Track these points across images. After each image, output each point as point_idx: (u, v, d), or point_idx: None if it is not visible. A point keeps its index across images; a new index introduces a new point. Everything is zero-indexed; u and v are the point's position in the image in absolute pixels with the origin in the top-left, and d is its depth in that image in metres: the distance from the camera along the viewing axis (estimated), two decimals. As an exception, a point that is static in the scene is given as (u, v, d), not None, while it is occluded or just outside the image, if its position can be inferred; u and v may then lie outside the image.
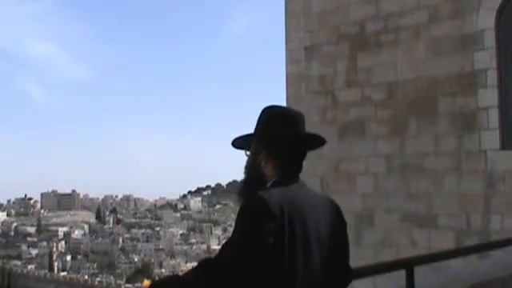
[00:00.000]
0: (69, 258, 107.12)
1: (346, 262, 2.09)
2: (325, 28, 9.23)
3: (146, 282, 1.84)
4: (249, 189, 1.99)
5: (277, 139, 2.01)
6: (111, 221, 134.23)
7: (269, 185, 1.97)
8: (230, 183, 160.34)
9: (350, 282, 2.17)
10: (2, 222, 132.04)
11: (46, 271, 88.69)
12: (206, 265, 1.81)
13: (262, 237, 1.74)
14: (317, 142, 2.14)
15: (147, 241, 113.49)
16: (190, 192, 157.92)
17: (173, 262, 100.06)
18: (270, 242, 1.73)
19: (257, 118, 2.11)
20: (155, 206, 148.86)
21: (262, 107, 2.13)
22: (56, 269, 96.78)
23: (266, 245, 1.73)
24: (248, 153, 2.08)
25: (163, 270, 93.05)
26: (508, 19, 7.43)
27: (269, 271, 1.75)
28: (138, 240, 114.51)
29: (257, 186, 1.96)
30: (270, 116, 2.06)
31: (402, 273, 3.54)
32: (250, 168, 2.05)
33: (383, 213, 8.29)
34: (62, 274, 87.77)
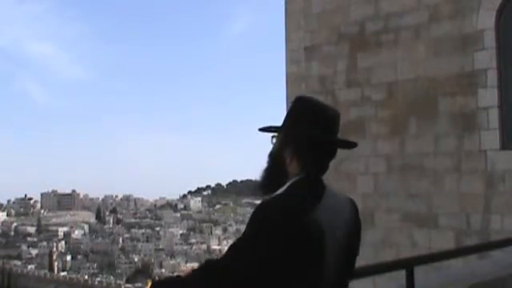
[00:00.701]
0: (69, 258, 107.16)
1: (354, 264, 2.04)
2: (325, 28, 9.24)
3: (149, 284, 1.83)
4: (270, 182, 1.90)
5: (307, 138, 1.88)
6: (111, 221, 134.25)
7: (288, 184, 1.86)
8: (229, 183, 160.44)
9: (349, 281, 2.15)
10: (2, 222, 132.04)
11: (46, 271, 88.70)
12: (208, 266, 1.77)
13: (270, 245, 1.66)
14: (348, 145, 2.02)
15: (147, 241, 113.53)
16: (189, 192, 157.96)
17: (173, 261, 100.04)
18: (278, 250, 1.66)
19: (288, 107, 1.95)
20: (155, 205, 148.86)
21: (295, 97, 1.97)
22: (56, 269, 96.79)
23: (274, 254, 1.66)
24: (274, 140, 1.95)
25: (163, 270, 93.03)
26: (508, 19, 7.43)
27: (278, 278, 1.69)
28: (138, 240, 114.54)
29: (278, 181, 1.87)
30: (302, 111, 1.91)
31: (402, 273, 3.54)
32: (274, 160, 1.92)
33: (383, 213, 8.29)
34: (62, 273, 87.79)
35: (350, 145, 2.02)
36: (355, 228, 1.97)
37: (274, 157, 1.93)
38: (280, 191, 1.83)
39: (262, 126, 1.96)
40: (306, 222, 1.71)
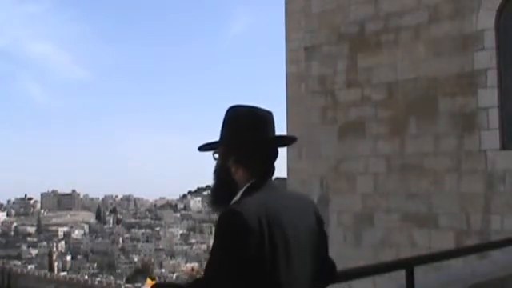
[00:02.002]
0: (69, 258, 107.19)
1: (326, 258, 2.05)
2: (325, 28, 9.23)
3: (149, 281, 1.84)
4: (221, 197, 1.93)
5: (246, 144, 1.90)
6: (111, 221, 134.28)
7: (241, 192, 1.88)
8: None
9: (335, 274, 2.14)
10: (2, 222, 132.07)
11: (46, 271, 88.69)
12: (199, 282, 1.83)
13: (241, 254, 1.68)
14: (287, 141, 2.07)
15: (147, 241, 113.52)
16: (189, 192, 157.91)
17: (173, 261, 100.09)
18: (250, 257, 1.68)
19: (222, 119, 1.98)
20: (155, 205, 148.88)
21: (228, 108, 1.99)
22: (56, 269, 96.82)
23: (247, 261, 1.68)
24: (216, 156, 1.98)
25: (163, 270, 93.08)
26: (508, 19, 7.42)
27: (253, 285, 1.71)
28: (138, 240, 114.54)
29: (228, 193, 1.90)
30: (236, 119, 1.94)
31: (402, 273, 3.53)
32: (219, 174, 1.96)
33: (383, 213, 8.29)
34: (62, 273, 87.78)
35: (289, 140, 2.06)
36: (316, 225, 1.99)
37: (220, 171, 1.95)
38: (233, 201, 1.86)
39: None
40: (263, 219, 1.73)
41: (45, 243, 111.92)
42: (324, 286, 2.08)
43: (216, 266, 1.73)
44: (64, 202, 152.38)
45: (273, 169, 1.96)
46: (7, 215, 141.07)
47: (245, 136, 1.90)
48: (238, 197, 1.88)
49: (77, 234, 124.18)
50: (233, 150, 1.92)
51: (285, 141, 2.07)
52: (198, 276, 1.95)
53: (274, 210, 1.79)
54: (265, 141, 1.93)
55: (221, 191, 1.95)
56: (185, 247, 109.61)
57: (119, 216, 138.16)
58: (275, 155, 1.96)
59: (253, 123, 1.92)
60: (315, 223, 1.98)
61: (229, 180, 1.92)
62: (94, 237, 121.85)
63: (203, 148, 1.99)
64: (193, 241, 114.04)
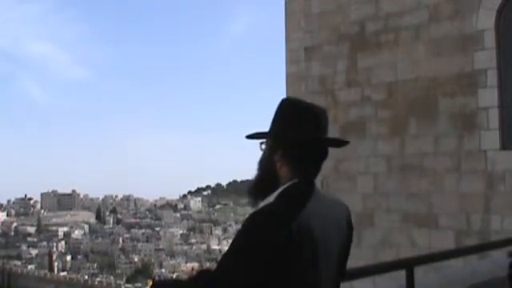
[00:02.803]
0: (69, 258, 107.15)
1: (344, 269, 2.02)
2: (325, 28, 9.23)
3: (151, 283, 1.84)
4: (261, 190, 1.86)
5: (294, 141, 1.84)
6: (111, 221, 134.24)
7: (279, 191, 1.81)
8: (229, 183, 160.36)
9: (341, 282, 2.14)
10: (2, 222, 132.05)
11: (46, 271, 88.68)
12: (203, 276, 1.78)
13: (261, 258, 1.62)
14: (338, 144, 2.00)
15: (147, 241, 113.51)
16: (190, 192, 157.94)
17: (173, 261, 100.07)
18: (268, 264, 1.62)
19: (275, 109, 1.90)
20: (155, 205, 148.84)
21: (280, 99, 1.91)
22: (56, 269, 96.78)
23: (265, 266, 1.62)
24: (263, 147, 1.91)
25: (163, 270, 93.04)
26: (508, 19, 7.43)
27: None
28: (138, 240, 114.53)
29: (269, 187, 1.83)
30: (289, 113, 1.87)
31: (402, 273, 3.54)
32: (264, 166, 1.89)
33: (383, 213, 8.29)
34: (62, 274, 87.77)
35: (341, 143, 1.99)
36: (348, 235, 1.95)
37: (264, 163, 1.89)
38: (271, 198, 1.79)
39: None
40: (294, 232, 1.66)
41: (45, 243, 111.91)
42: None
43: (229, 264, 1.67)
44: (64, 202, 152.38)
45: (318, 170, 1.90)
46: (7, 215, 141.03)
47: (296, 132, 1.84)
48: (275, 194, 1.81)
49: (77, 234, 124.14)
50: (281, 145, 1.85)
51: (336, 143, 2.00)
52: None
53: (306, 216, 1.73)
54: (316, 141, 1.87)
55: (261, 184, 1.88)
56: (185, 247, 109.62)
57: (119, 216, 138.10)
58: (324, 157, 1.90)
59: (306, 120, 1.84)
60: (345, 231, 1.93)
61: (272, 174, 1.85)
62: (94, 237, 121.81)
63: (252, 136, 1.91)
64: (193, 241, 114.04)
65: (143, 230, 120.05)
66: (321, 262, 1.76)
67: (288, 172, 1.84)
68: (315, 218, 1.76)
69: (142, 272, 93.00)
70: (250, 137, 1.92)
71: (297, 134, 1.83)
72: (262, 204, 1.79)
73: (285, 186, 1.82)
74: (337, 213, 1.92)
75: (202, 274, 1.82)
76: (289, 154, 1.84)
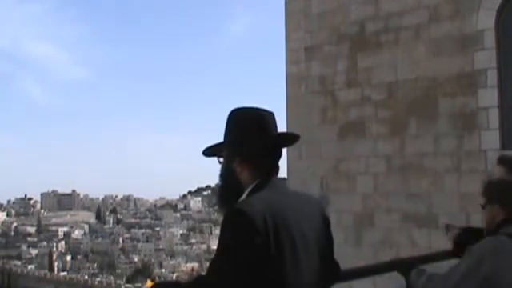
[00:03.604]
0: (69, 258, 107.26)
1: (332, 259, 2.06)
2: (325, 28, 9.23)
3: (149, 283, 1.86)
4: (227, 198, 1.94)
5: (249, 145, 1.93)
6: (111, 221, 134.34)
7: (246, 192, 1.90)
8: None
9: (339, 275, 2.15)
10: (2, 222, 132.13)
11: (46, 271, 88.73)
12: (198, 280, 1.84)
13: (246, 253, 1.68)
14: (291, 139, 2.09)
15: (147, 241, 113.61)
16: (190, 192, 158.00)
17: (173, 262, 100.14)
18: (255, 257, 1.68)
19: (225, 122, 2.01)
20: (155, 205, 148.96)
21: (231, 110, 2.03)
22: (56, 269, 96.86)
23: (252, 260, 1.68)
24: (221, 160, 2.00)
25: (163, 270, 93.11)
26: (508, 19, 7.43)
27: (258, 285, 1.70)
28: (138, 240, 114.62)
29: (234, 194, 1.91)
30: (239, 120, 1.97)
31: (402, 273, 3.53)
32: (225, 176, 1.98)
33: (383, 213, 8.29)
34: (62, 274, 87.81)
35: (292, 138, 2.08)
36: (322, 225, 1.99)
37: (225, 173, 1.97)
38: (239, 201, 1.86)
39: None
40: (269, 221, 1.72)
41: (45, 243, 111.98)
42: (328, 286, 2.08)
43: (219, 265, 1.72)
44: (64, 202, 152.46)
45: (277, 168, 1.98)
46: (7, 215, 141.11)
47: (248, 137, 1.92)
48: (243, 197, 1.89)
49: (77, 234, 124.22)
50: (237, 151, 1.94)
51: (288, 139, 2.09)
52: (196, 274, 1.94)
53: (279, 209, 1.79)
54: (268, 141, 1.95)
55: (227, 193, 1.96)
56: (185, 247, 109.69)
57: (119, 216, 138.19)
58: (279, 155, 1.99)
59: (255, 124, 1.94)
60: (322, 224, 1.99)
61: (234, 181, 1.94)
62: (94, 237, 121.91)
63: (207, 152, 2.02)
64: (193, 241, 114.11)
65: (143, 230, 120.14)
66: (300, 252, 1.81)
67: (249, 176, 1.92)
68: (288, 211, 1.82)
69: (142, 272, 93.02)
70: (206, 153, 2.02)
71: (249, 138, 1.92)
72: None
73: (250, 188, 1.90)
74: (309, 206, 1.99)
75: (199, 278, 1.89)
76: (246, 159, 1.92)
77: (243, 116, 1.98)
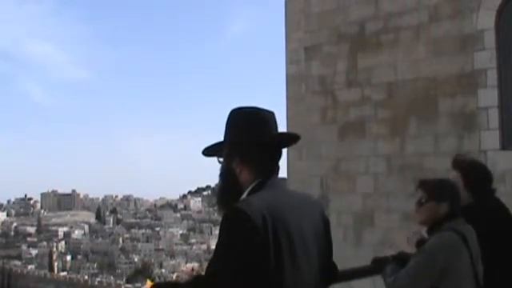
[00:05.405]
0: (69, 258, 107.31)
1: (330, 260, 2.06)
2: (325, 28, 9.23)
3: (149, 283, 1.86)
4: (227, 198, 1.93)
5: (249, 144, 1.92)
6: (111, 221, 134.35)
7: (246, 192, 1.89)
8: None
9: (336, 275, 2.15)
10: (2, 222, 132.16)
11: (46, 271, 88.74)
12: (197, 280, 1.84)
13: (244, 251, 1.67)
14: (291, 139, 2.07)
15: (147, 241, 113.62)
16: (190, 192, 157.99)
17: (173, 262, 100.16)
18: (254, 256, 1.68)
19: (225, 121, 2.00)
20: (155, 205, 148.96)
21: (231, 109, 2.02)
22: (56, 269, 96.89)
23: (251, 260, 1.67)
24: (221, 159, 1.99)
25: (163, 270, 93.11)
26: (508, 19, 7.42)
27: (257, 284, 1.70)
28: (138, 240, 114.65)
29: (234, 194, 1.90)
30: (239, 120, 1.97)
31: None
32: (224, 176, 1.96)
33: (383, 213, 8.29)
34: (62, 274, 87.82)
35: (292, 138, 2.06)
36: (321, 225, 1.99)
37: (224, 173, 1.96)
38: (240, 200, 1.86)
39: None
40: (268, 220, 1.72)
41: (45, 243, 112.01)
42: (326, 286, 2.08)
43: (218, 263, 1.72)
44: (64, 202, 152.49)
45: (277, 168, 1.96)
46: (7, 215, 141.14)
47: (248, 136, 1.92)
48: (243, 197, 1.88)
49: (77, 234, 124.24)
50: (237, 151, 1.93)
51: (288, 139, 2.08)
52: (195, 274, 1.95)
53: (278, 209, 1.79)
54: (268, 140, 1.94)
55: (227, 193, 1.96)
56: (185, 247, 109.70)
57: (119, 216, 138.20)
58: (279, 155, 1.97)
59: (255, 123, 1.93)
60: (321, 224, 1.98)
61: (234, 181, 1.93)
62: (94, 237, 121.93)
63: (207, 152, 2.01)
64: (193, 241, 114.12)
65: (143, 230, 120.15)
66: (299, 252, 1.81)
67: (249, 175, 1.91)
68: (287, 212, 1.81)
69: (142, 272, 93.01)
70: (206, 152, 2.02)
71: (249, 138, 1.91)
72: None
73: (250, 188, 1.89)
74: (309, 207, 1.98)
75: (198, 277, 1.88)
76: (246, 159, 1.91)
77: (243, 115, 1.97)
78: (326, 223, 2.02)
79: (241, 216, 1.70)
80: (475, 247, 3.00)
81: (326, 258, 1.99)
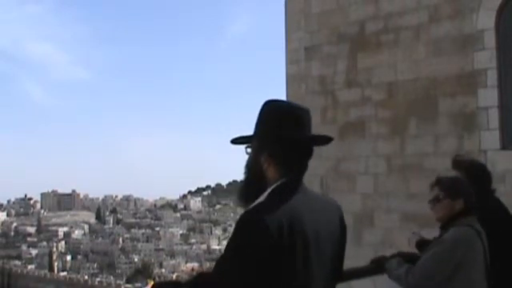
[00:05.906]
0: (69, 258, 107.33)
1: (341, 266, 2.04)
2: (325, 28, 9.23)
3: (151, 283, 1.87)
4: (249, 192, 1.88)
5: (280, 141, 1.85)
6: (111, 221, 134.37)
7: (269, 191, 1.83)
8: (230, 183, 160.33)
9: (341, 275, 2.14)
10: (2, 222, 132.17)
11: (46, 271, 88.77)
12: (201, 278, 1.82)
13: (254, 256, 1.64)
14: (323, 140, 2.02)
15: (147, 241, 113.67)
16: (190, 192, 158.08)
17: (173, 261, 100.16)
18: (264, 260, 1.64)
19: (258, 111, 1.92)
20: (155, 205, 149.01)
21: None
22: (56, 269, 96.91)
23: (260, 264, 1.63)
24: (249, 150, 1.92)
25: (163, 270, 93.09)
26: (508, 19, 7.42)
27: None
28: (138, 240, 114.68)
29: (257, 189, 1.85)
30: (272, 114, 1.89)
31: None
32: (251, 169, 1.91)
33: (383, 213, 8.29)
34: (62, 274, 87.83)
35: (325, 140, 2.01)
36: (340, 233, 1.95)
37: (251, 165, 1.91)
38: (261, 199, 1.80)
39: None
40: (286, 229, 1.67)
41: (45, 243, 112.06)
42: None
43: (224, 264, 1.69)
44: (64, 202, 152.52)
45: (305, 168, 1.92)
46: (7, 215, 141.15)
47: (280, 132, 1.85)
48: (265, 194, 1.82)
49: (77, 234, 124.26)
50: (267, 146, 1.86)
51: (320, 140, 2.02)
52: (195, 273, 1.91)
53: (297, 213, 1.74)
54: (300, 139, 1.89)
55: (250, 186, 1.90)
56: (185, 247, 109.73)
57: (119, 216, 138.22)
58: (309, 155, 1.91)
59: (290, 120, 1.87)
60: (338, 229, 1.94)
61: (259, 176, 1.87)
62: (94, 237, 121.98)
63: (237, 141, 1.93)
64: (193, 241, 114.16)
65: (143, 230, 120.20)
66: (313, 259, 1.77)
67: (275, 172, 1.86)
68: (306, 216, 1.77)
69: (142, 272, 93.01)
70: (234, 141, 1.94)
71: (281, 134, 1.85)
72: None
73: (274, 186, 1.84)
74: (328, 211, 1.93)
75: (200, 276, 1.85)
76: (275, 155, 1.85)
77: (278, 110, 1.90)
78: (343, 229, 1.97)
79: (256, 221, 1.67)
80: (487, 244, 3.08)
81: (338, 264, 1.96)
